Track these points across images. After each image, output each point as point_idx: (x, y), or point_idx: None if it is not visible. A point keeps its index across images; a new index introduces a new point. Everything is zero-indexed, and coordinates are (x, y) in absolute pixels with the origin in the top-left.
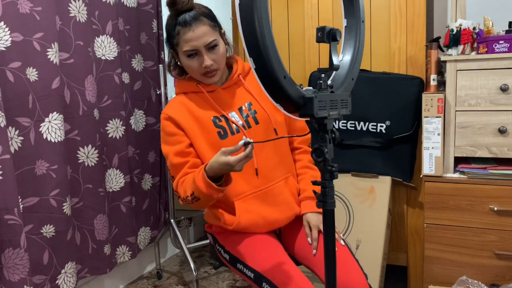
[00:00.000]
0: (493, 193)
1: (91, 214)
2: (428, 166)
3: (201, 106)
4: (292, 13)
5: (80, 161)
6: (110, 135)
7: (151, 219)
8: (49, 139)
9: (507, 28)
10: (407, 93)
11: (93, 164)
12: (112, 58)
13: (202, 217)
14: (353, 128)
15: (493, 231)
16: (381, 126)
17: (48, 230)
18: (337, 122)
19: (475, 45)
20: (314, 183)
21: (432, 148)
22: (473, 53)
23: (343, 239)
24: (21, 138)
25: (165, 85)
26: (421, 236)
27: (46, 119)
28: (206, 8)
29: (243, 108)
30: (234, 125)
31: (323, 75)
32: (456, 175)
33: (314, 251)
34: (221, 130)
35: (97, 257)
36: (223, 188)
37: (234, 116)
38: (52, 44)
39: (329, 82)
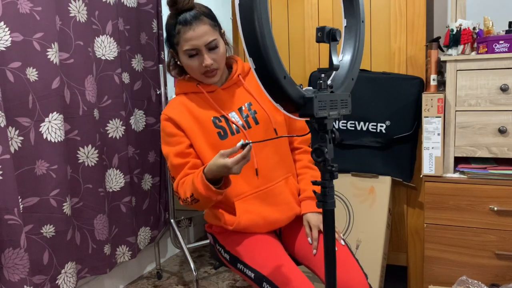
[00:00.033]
0: (493, 193)
1: (91, 214)
2: (428, 166)
3: (201, 107)
4: (292, 13)
5: (80, 161)
6: (110, 135)
7: (151, 219)
8: (49, 139)
9: (507, 28)
10: (407, 93)
11: (93, 164)
12: (112, 58)
13: (202, 217)
14: (353, 128)
15: (493, 231)
16: (381, 126)
17: (48, 230)
18: (337, 122)
19: (475, 45)
20: (314, 183)
21: (432, 148)
22: (473, 53)
23: (343, 239)
24: (21, 138)
25: (165, 85)
26: (421, 236)
27: (46, 119)
28: (206, 7)
29: (243, 108)
30: (234, 125)
31: (323, 75)
32: (456, 175)
33: (314, 251)
34: (221, 130)
35: (97, 257)
36: (222, 191)
37: (234, 116)
38: (52, 44)
39: (329, 82)
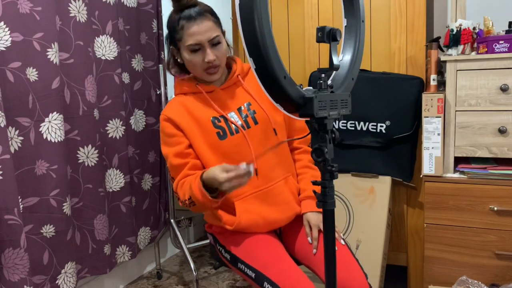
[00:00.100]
0: (493, 193)
1: (91, 214)
2: (428, 166)
3: (200, 107)
4: (292, 13)
5: (80, 161)
6: (110, 135)
7: (151, 219)
8: (49, 139)
9: (507, 28)
10: (407, 93)
11: (93, 164)
12: (112, 58)
13: (202, 217)
14: (353, 128)
15: (493, 231)
16: (381, 126)
17: (48, 230)
18: (337, 122)
19: (475, 45)
20: (314, 183)
21: (432, 148)
22: (473, 53)
23: (343, 239)
24: (21, 138)
25: (165, 85)
26: (421, 236)
27: (46, 119)
28: (209, 6)
29: (242, 108)
30: (233, 125)
31: (323, 75)
32: (456, 175)
33: (314, 250)
34: (220, 130)
35: (97, 257)
36: (217, 200)
37: (233, 116)
38: (52, 44)
39: (329, 82)
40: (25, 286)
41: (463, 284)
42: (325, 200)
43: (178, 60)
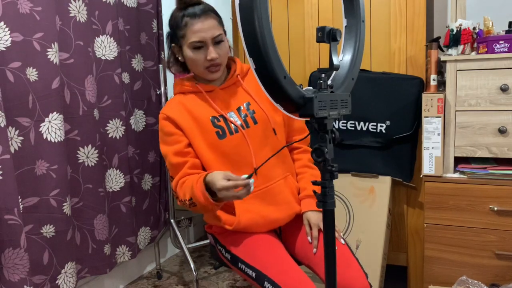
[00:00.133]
0: (493, 193)
1: (91, 214)
2: (428, 166)
3: (200, 106)
4: (292, 13)
5: (80, 161)
6: (110, 135)
7: (151, 219)
8: (49, 139)
9: (507, 28)
10: (407, 93)
11: (93, 164)
12: (112, 58)
13: (202, 217)
14: (353, 128)
15: (493, 231)
16: (381, 126)
17: (48, 230)
18: (337, 122)
19: (475, 45)
20: (314, 183)
21: (432, 148)
22: (473, 53)
23: (343, 238)
24: (21, 138)
25: (165, 85)
26: (421, 236)
27: (46, 119)
28: (211, 5)
29: (242, 108)
30: (232, 125)
31: (323, 75)
32: (456, 175)
33: (315, 249)
34: (219, 130)
35: (97, 257)
36: (219, 204)
37: (232, 116)
38: (52, 44)
39: (329, 82)
40: (25, 286)
41: (463, 284)
42: (325, 200)
43: (179, 58)
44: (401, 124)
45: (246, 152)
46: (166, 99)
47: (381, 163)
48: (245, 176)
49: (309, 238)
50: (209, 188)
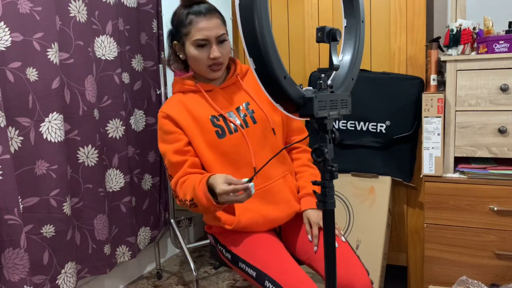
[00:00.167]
0: (493, 193)
1: (91, 214)
2: (428, 166)
3: (199, 105)
4: (292, 13)
5: (80, 161)
6: (110, 135)
7: (151, 219)
8: (49, 139)
9: (507, 28)
10: (407, 93)
11: (93, 164)
12: (112, 58)
13: (202, 217)
14: (353, 128)
15: (493, 231)
16: (381, 126)
17: (48, 230)
18: (337, 122)
19: (475, 45)
20: (314, 183)
21: (432, 148)
22: (473, 53)
23: (343, 236)
24: (21, 138)
25: (165, 85)
26: (421, 236)
27: (46, 119)
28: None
29: (241, 108)
30: (232, 124)
31: (323, 75)
32: (456, 175)
33: (315, 248)
34: (219, 129)
35: (97, 257)
36: (221, 206)
37: (231, 115)
38: (52, 44)
39: (329, 82)
40: (25, 286)
41: (463, 284)
42: (325, 200)
43: (180, 56)
44: (401, 124)
45: (246, 151)
46: (166, 99)
47: (381, 163)
48: (246, 180)
49: (309, 236)
50: (212, 190)
